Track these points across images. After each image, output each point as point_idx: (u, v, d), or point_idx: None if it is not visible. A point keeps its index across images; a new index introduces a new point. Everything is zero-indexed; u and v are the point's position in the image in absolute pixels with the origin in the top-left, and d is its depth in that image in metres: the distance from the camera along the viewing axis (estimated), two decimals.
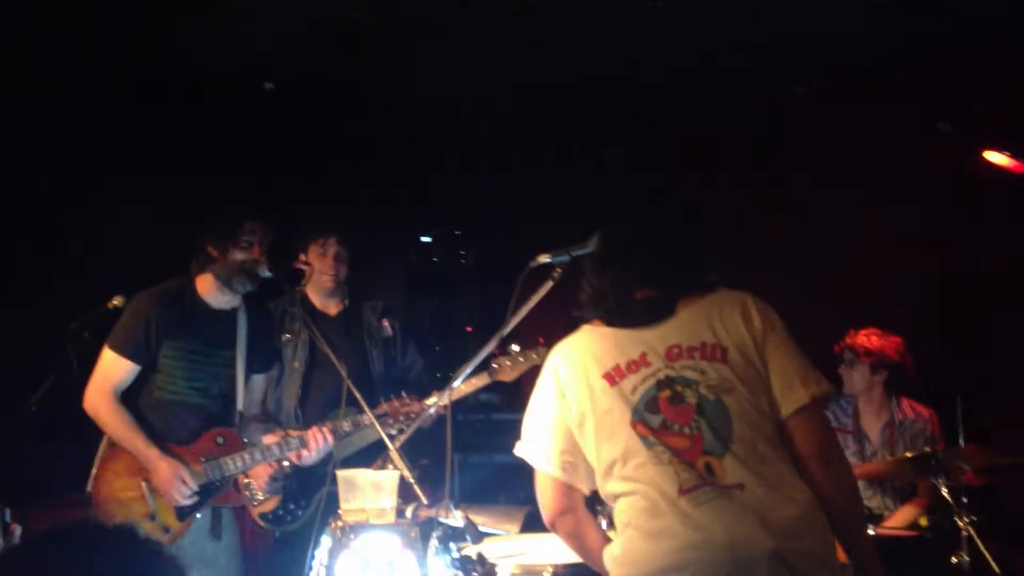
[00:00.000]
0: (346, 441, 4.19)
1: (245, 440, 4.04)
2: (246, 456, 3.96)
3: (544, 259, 2.99)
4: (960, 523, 4.07)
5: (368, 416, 3.74)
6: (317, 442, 3.97)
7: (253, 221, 3.97)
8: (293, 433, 4.02)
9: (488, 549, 3.11)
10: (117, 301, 4.14)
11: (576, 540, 2.59)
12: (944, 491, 4.14)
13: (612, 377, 2.41)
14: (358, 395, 3.62)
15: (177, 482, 3.81)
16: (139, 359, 3.91)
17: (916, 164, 5.44)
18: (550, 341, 3.97)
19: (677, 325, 2.43)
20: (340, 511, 3.14)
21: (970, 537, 4.04)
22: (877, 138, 5.57)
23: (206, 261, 3.98)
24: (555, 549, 3.21)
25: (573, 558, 3.09)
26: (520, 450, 2.64)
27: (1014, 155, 4.98)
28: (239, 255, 3.93)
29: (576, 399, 2.46)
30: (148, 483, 3.86)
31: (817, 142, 5.83)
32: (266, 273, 3.87)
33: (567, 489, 2.53)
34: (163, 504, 3.87)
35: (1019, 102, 5.07)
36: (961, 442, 4.30)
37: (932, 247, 5.51)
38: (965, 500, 4.14)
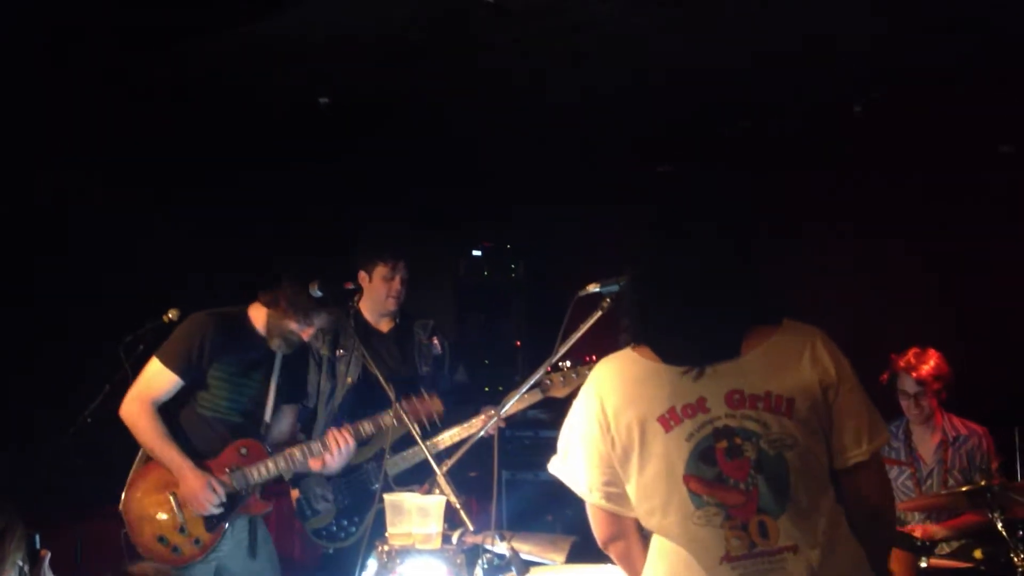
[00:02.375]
0: (398, 457, 4.23)
1: (268, 450, 4.10)
2: (269, 464, 4.03)
3: (593, 288, 2.98)
4: (1016, 558, 3.98)
5: (403, 419, 3.75)
6: (338, 443, 4.01)
7: (328, 314, 4.03)
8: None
9: None
10: (172, 314, 4.23)
11: (628, 565, 2.48)
12: (1000, 525, 4.06)
13: (667, 422, 2.25)
14: (406, 416, 3.63)
15: (207, 491, 3.89)
16: (185, 376, 3.98)
17: (971, 181, 5.35)
18: (601, 358, 3.99)
19: (740, 368, 2.25)
20: (387, 535, 3.16)
21: None
22: (932, 154, 5.48)
23: (270, 304, 4.05)
24: None
25: None
26: (557, 470, 2.50)
27: None
28: (293, 326, 4.01)
29: (623, 437, 2.31)
30: (176, 497, 3.94)
31: (870, 156, 5.76)
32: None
33: (615, 516, 2.41)
34: (192, 516, 3.95)
35: None
36: (1019, 474, 4.22)
37: (979, 268, 5.42)
38: (1022, 534, 4.05)
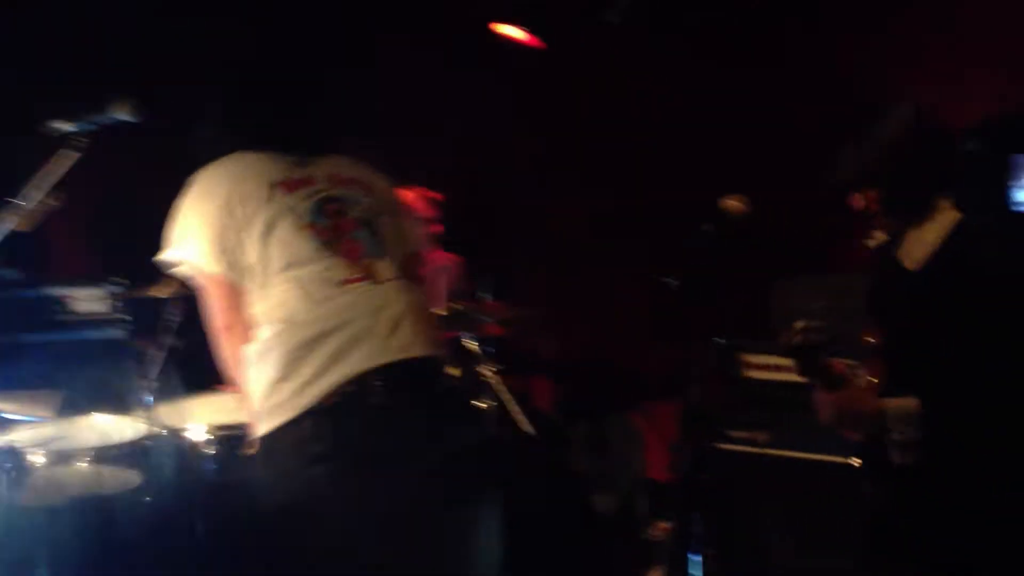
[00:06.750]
0: None
1: None
2: None
3: (63, 126, 2.79)
4: (484, 371, 4.46)
5: None
6: None
7: None
8: None
9: (19, 437, 2.95)
10: None
11: (234, 352, 2.55)
12: (469, 343, 4.50)
13: (285, 186, 2.56)
14: None
15: None
16: None
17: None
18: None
19: (334, 161, 2.68)
20: None
21: (493, 383, 4.45)
22: None
23: None
24: (92, 433, 3.13)
25: (107, 438, 3.05)
26: (171, 254, 2.54)
27: (527, 27, 5.19)
28: None
29: (245, 204, 2.50)
30: None
31: None
32: None
33: (235, 292, 2.51)
34: None
35: None
36: (486, 297, 4.68)
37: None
38: (488, 349, 4.53)
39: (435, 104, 5.64)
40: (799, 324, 2.60)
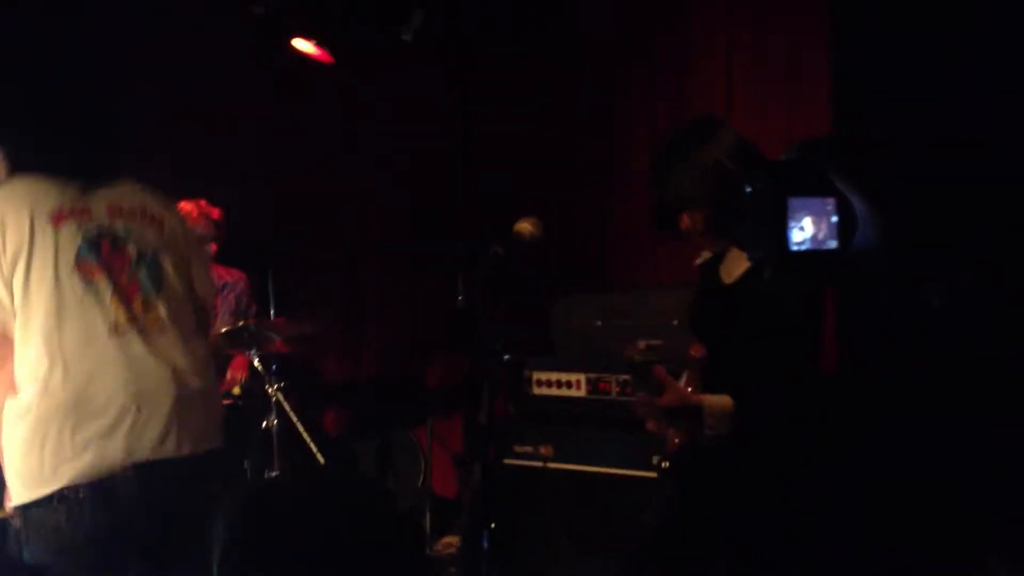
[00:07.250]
0: None
1: None
2: None
3: None
4: (270, 389, 4.37)
5: None
6: None
7: None
8: None
9: None
10: None
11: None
12: (256, 361, 4.40)
13: (56, 219, 2.45)
14: None
15: None
16: None
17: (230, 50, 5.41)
18: None
19: (117, 190, 2.58)
20: None
21: (278, 402, 4.36)
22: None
23: None
24: None
25: None
26: None
27: (321, 43, 5.14)
28: None
29: (13, 236, 2.41)
30: None
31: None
32: None
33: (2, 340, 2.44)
34: None
35: None
36: (272, 314, 4.59)
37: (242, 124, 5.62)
38: (274, 368, 4.45)
39: (217, 116, 5.49)
40: (641, 344, 2.71)
